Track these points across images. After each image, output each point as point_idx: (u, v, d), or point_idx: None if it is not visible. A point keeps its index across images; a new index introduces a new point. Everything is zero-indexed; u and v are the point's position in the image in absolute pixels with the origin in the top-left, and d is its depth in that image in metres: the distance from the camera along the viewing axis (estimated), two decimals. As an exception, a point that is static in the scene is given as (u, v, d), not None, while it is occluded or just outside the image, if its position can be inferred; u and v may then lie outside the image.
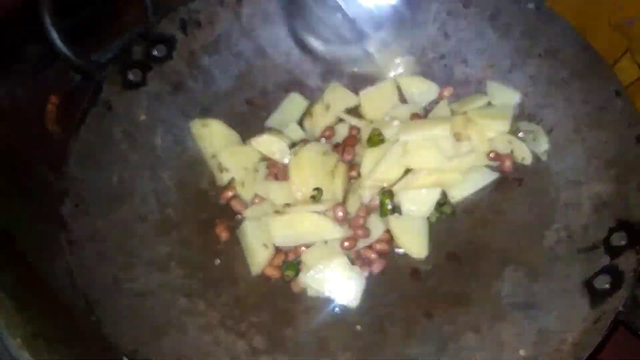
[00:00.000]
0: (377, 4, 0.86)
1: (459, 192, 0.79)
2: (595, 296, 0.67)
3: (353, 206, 0.79)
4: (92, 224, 0.74)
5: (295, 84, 0.89)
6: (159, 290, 0.73)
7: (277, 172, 0.81)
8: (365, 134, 0.83)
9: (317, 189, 0.78)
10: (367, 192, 0.79)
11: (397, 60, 0.87)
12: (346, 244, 0.76)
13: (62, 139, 0.83)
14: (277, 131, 0.85)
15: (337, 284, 0.74)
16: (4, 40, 1.01)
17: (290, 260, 0.77)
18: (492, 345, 0.69)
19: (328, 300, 0.75)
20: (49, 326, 0.79)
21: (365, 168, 0.80)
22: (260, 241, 0.76)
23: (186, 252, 0.77)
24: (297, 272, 0.76)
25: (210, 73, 0.86)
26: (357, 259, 0.77)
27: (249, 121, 0.87)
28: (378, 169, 0.78)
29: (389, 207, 0.77)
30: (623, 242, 0.69)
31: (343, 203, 0.79)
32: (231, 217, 0.81)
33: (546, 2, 0.82)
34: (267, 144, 0.82)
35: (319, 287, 0.75)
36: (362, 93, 0.86)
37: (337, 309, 0.75)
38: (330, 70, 0.88)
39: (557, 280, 0.71)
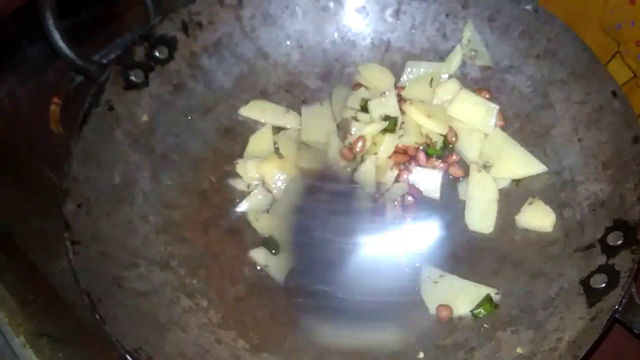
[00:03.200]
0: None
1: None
2: (592, 295, 0.67)
3: None
4: (94, 223, 0.73)
5: (295, 85, 0.89)
6: (161, 289, 0.73)
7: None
8: None
9: None
10: None
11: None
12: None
13: (65, 139, 0.84)
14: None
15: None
16: (6, 40, 1.02)
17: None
18: (490, 343, 0.70)
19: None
20: (52, 325, 0.79)
21: None
22: None
23: (187, 252, 0.78)
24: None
25: (211, 74, 0.87)
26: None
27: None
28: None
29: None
30: (619, 242, 0.68)
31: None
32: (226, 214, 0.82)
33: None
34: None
35: None
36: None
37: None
38: (330, 71, 0.89)
39: (554, 279, 0.71)
